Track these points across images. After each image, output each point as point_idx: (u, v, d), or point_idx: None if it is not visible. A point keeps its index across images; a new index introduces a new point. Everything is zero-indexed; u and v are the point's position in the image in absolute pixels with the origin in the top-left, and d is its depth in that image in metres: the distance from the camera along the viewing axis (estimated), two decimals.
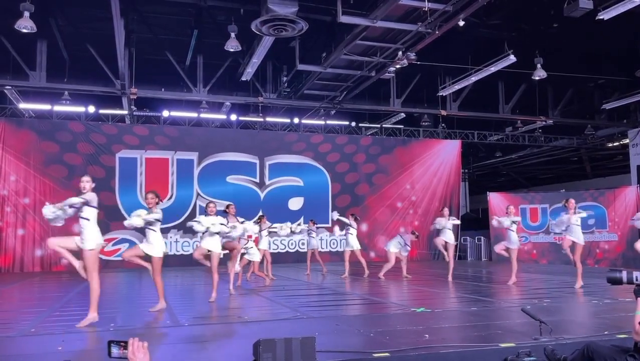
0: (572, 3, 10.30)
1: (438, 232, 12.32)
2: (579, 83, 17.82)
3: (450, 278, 11.82)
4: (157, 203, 7.52)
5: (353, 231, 13.39)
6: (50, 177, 16.42)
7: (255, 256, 11.00)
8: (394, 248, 12.53)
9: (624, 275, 3.42)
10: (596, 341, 4.40)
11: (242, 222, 9.59)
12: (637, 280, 3.48)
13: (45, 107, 16.56)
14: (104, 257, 14.93)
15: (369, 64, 14.01)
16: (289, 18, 10.58)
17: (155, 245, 7.38)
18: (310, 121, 19.39)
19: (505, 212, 11.46)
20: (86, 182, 6.50)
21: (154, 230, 7.38)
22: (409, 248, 12.83)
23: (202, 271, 14.42)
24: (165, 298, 8.79)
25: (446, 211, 12.54)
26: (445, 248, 12.09)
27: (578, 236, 9.87)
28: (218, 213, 9.13)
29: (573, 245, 9.94)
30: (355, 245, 13.33)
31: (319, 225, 16.23)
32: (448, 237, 12.02)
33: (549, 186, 28.00)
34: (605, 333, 5.43)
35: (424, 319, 6.71)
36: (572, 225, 9.91)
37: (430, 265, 17.13)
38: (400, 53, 12.88)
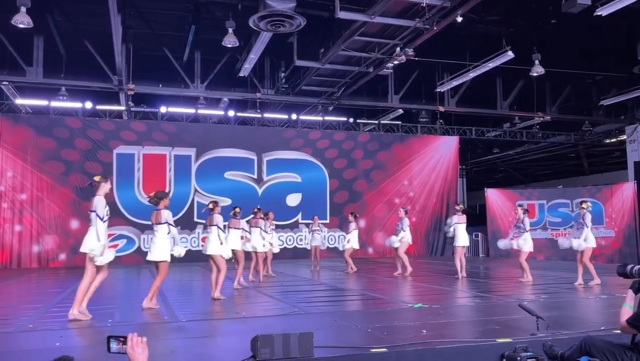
0: None
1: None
2: (577, 79, 17.84)
3: (462, 275, 11.50)
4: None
5: (354, 231, 13.42)
6: (48, 173, 16.39)
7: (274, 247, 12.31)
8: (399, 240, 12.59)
9: (628, 268, 3.95)
10: (593, 336, 4.43)
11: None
12: (632, 272, 3.82)
13: (42, 102, 16.49)
14: None
15: (367, 59, 13.99)
16: (287, 14, 10.56)
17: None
18: (308, 117, 19.37)
19: (515, 211, 11.17)
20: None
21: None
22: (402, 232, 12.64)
23: (200, 267, 14.43)
24: (163, 293, 8.81)
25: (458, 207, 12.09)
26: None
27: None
28: (205, 214, 9.65)
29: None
30: (355, 244, 13.39)
31: (320, 222, 16.20)
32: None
33: (547, 182, 28.04)
34: (602, 328, 5.44)
35: (421, 315, 6.73)
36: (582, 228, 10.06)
37: (427, 262, 17.17)
38: (398, 49, 12.87)
